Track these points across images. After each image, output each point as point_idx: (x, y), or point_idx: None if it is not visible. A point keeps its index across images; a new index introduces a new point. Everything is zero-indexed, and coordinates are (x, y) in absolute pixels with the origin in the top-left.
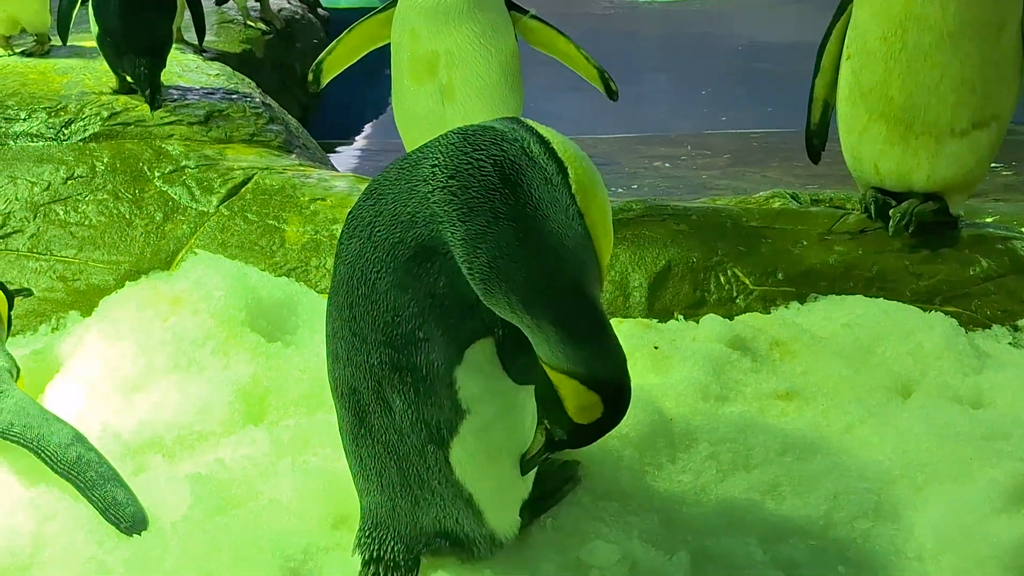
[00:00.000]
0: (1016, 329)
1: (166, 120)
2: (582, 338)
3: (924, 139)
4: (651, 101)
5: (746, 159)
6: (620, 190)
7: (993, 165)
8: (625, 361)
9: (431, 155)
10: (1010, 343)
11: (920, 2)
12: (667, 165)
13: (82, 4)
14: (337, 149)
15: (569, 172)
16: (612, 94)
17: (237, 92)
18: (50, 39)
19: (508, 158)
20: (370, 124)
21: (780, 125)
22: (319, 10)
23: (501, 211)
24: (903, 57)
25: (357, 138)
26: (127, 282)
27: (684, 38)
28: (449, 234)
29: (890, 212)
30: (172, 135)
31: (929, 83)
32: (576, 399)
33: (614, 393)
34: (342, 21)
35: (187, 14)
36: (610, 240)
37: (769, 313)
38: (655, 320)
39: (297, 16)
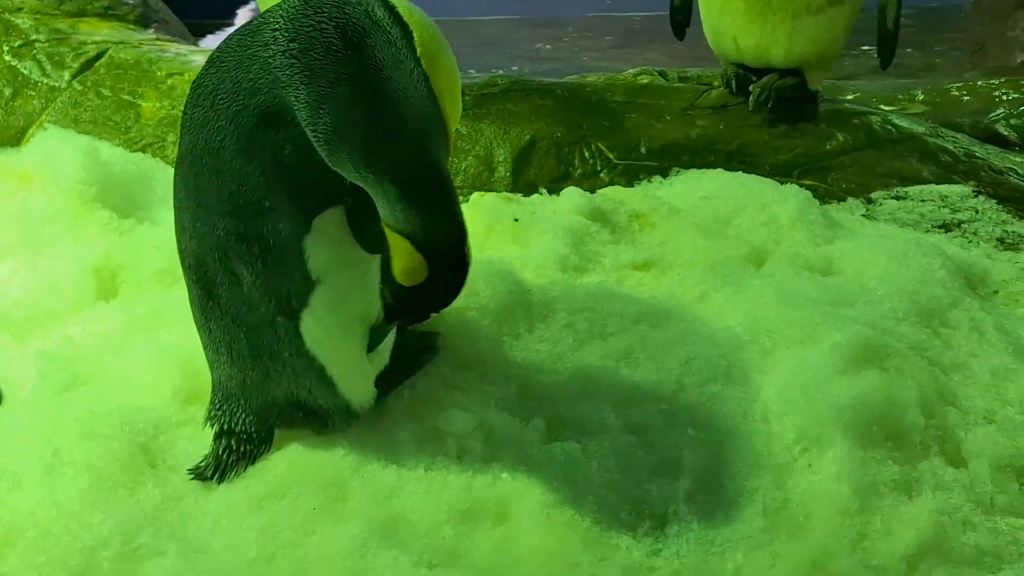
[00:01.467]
0: (870, 201)
1: None
2: (420, 200)
3: (781, 15)
4: None
5: (629, 41)
6: (499, 70)
7: (866, 48)
8: (462, 231)
9: (272, 20)
10: (863, 215)
11: None
12: (548, 47)
13: None
14: (213, 31)
15: (414, 36)
16: None
17: None
18: None
19: (351, 20)
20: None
21: (664, 8)
22: None
23: (344, 72)
24: None
25: (235, 20)
26: None
27: None
28: (292, 98)
29: (750, 88)
30: (21, 8)
31: None
32: (403, 259)
33: (440, 258)
34: None
35: None
36: (458, 107)
37: (632, 187)
38: (519, 194)
39: None
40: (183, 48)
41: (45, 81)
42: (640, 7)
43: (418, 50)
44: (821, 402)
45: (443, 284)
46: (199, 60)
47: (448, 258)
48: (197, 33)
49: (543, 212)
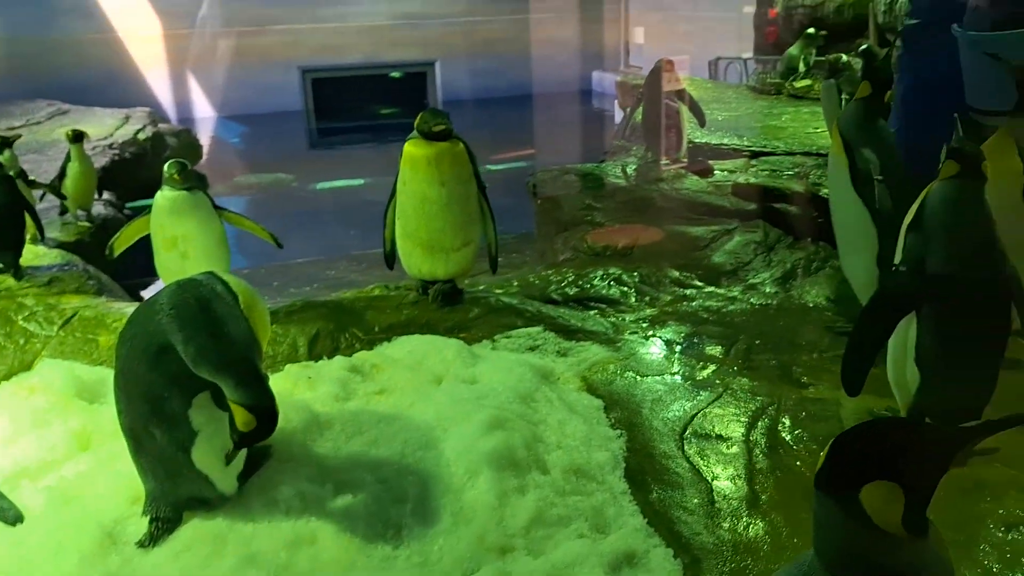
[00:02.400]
0: (493, 341)
1: (24, 286)
2: (245, 385)
3: (440, 254)
4: None
5: (371, 267)
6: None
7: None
8: (271, 400)
9: (161, 296)
10: (491, 348)
11: (428, 188)
12: (331, 272)
13: None
14: (144, 287)
15: (240, 298)
16: (278, 245)
17: (68, 264)
18: None
19: (202, 294)
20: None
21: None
22: (124, 210)
23: (200, 323)
24: (425, 215)
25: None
26: (2, 382)
27: None
28: (173, 339)
29: (429, 291)
30: (28, 293)
31: (439, 227)
32: (240, 417)
33: (260, 415)
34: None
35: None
36: (267, 331)
37: (371, 350)
38: (312, 362)
39: (110, 215)
40: (123, 305)
41: (43, 332)
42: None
43: (242, 306)
44: (475, 451)
45: (263, 428)
46: (131, 311)
47: (264, 415)
48: (132, 289)
49: (324, 370)
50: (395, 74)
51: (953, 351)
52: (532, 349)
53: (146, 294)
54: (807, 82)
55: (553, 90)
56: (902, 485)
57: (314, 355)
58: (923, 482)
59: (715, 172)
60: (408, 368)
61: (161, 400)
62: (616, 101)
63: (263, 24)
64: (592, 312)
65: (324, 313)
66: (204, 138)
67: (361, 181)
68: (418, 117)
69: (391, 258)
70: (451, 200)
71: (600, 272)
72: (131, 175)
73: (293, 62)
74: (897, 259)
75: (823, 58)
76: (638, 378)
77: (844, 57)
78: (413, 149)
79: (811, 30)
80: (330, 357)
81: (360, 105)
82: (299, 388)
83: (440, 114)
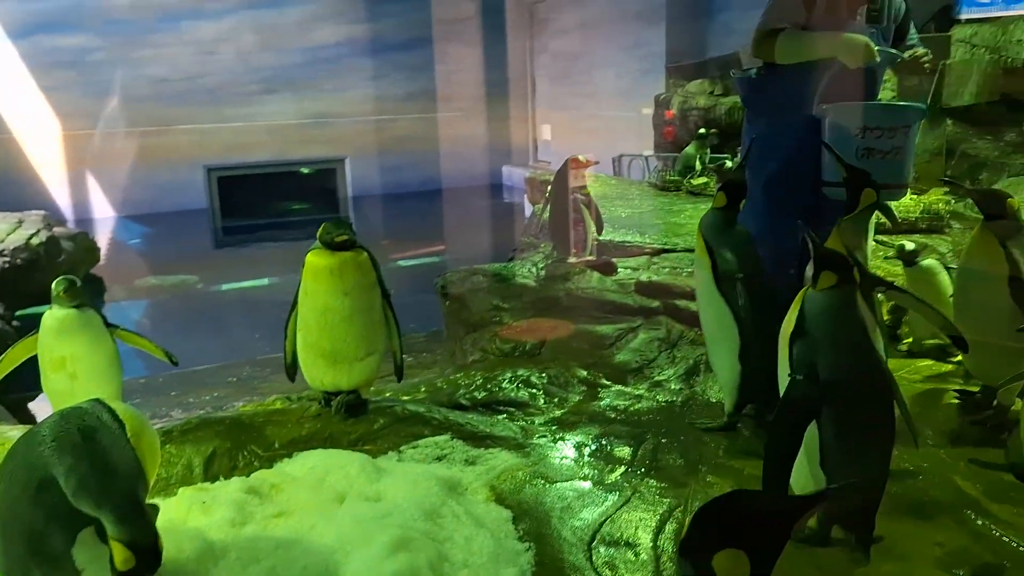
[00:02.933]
0: (399, 452)
1: None
2: (125, 520)
3: (344, 364)
4: None
5: (268, 380)
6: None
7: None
8: (152, 535)
9: (43, 427)
10: (397, 460)
11: (331, 299)
12: (233, 378)
13: None
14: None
15: (127, 426)
16: (172, 362)
17: None
18: None
19: (87, 423)
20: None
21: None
22: (13, 321)
23: (83, 455)
24: (328, 326)
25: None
26: None
27: None
28: (55, 471)
29: (332, 402)
30: None
31: (342, 337)
32: (120, 555)
33: (140, 554)
34: (29, 327)
35: None
36: (157, 459)
37: (271, 467)
38: (208, 483)
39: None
40: (5, 428)
41: None
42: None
43: (129, 435)
44: (378, 573)
45: (142, 567)
46: (15, 434)
47: (144, 553)
48: (17, 405)
49: (221, 493)
50: (305, 170)
51: (856, 450)
52: (439, 459)
53: (34, 407)
54: (703, 180)
55: (464, 184)
56: (747, 552)
57: (210, 475)
58: (766, 550)
59: (619, 270)
60: (309, 487)
61: (42, 538)
62: (526, 195)
63: (169, 124)
64: (501, 416)
65: (221, 430)
66: (103, 239)
67: (267, 281)
68: (320, 228)
69: (292, 370)
70: (355, 310)
71: (509, 374)
72: (23, 282)
73: (199, 161)
74: (785, 369)
75: (718, 156)
76: (547, 484)
77: (727, 163)
78: (315, 260)
79: (704, 130)
80: (227, 477)
81: (268, 202)
82: (193, 514)
83: (342, 224)
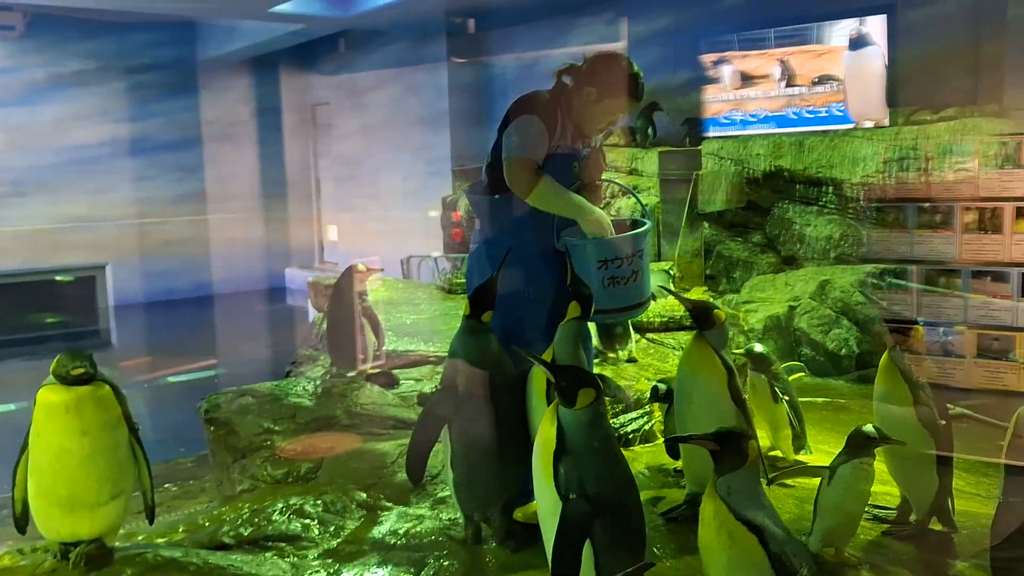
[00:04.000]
0: None
1: None
2: None
3: (83, 510)
4: None
5: None
6: None
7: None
8: None
9: None
10: None
11: (67, 440)
12: None
13: None
14: None
15: None
16: None
17: None
18: None
19: None
20: None
21: None
22: None
23: None
24: (64, 470)
25: None
26: None
27: None
28: None
29: (71, 553)
30: None
31: (81, 482)
32: None
33: None
34: None
35: None
36: None
37: None
38: None
39: None
40: None
41: None
42: None
43: None
44: None
45: None
46: None
47: None
48: None
49: None
50: (60, 278)
51: (629, 563)
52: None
53: None
54: None
55: (241, 289)
56: None
57: None
58: None
59: (401, 382)
60: None
61: None
62: (309, 300)
63: None
64: (269, 554)
65: None
66: None
67: (13, 406)
68: (55, 360)
69: (23, 521)
70: (95, 450)
71: (280, 504)
72: None
73: None
74: (548, 484)
75: None
76: None
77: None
78: (48, 396)
79: None
80: None
81: (17, 315)
82: None
83: (80, 355)
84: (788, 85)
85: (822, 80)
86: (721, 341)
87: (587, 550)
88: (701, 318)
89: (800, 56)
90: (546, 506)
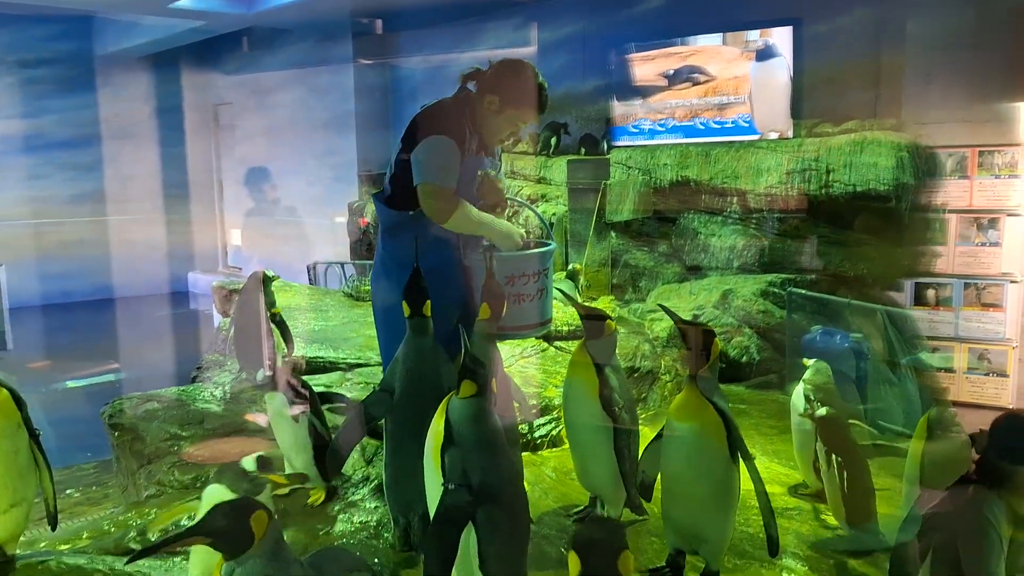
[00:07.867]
0: None
1: None
2: None
3: None
4: None
5: None
6: None
7: None
8: None
9: None
10: None
11: None
12: None
13: None
14: None
15: None
16: None
17: None
18: None
19: None
20: None
21: None
22: None
23: None
24: None
25: None
26: None
27: None
28: None
29: None
30: None
31: None
32: None
33: None
34: None
35: None
36: None
37: None
38: None
39: None
40: None
41: None
42: None
43: None
44: None
45: None
46: None
47: None
48: None
49: None
50: None
51: (511, 552)
52: None
53: None
54: None
55: (142, 292)
56: None
57: None
58: None
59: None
60: None
61: None
62: (214, 305)
63: None
64: (179, 559)
65: None
66: None
67: None
68: None
69: None
70: None
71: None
72: None
73: None
74: (437, 477)
75: None
76: None
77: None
78: None
79: None
80: None
81: None
82: None
83: None
84: (696, 96)
85: (728, 91)
86: (604, 352)
87: (471, 539)
88: (591, 328)
89: (708, 66)
90: (436, 497)
